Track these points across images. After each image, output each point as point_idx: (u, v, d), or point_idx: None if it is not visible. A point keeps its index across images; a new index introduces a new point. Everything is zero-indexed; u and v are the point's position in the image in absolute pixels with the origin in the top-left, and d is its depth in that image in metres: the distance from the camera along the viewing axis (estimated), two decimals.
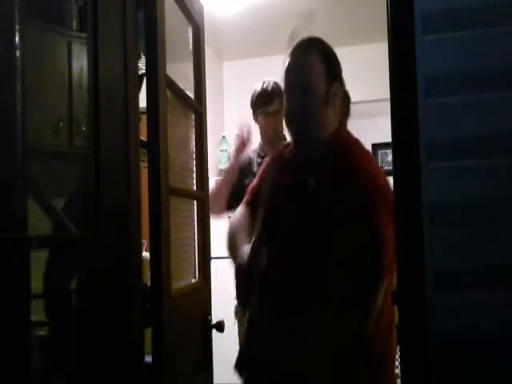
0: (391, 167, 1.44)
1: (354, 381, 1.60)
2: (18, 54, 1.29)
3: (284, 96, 1.78)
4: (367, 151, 1.80)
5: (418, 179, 1.31)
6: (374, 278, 1.55)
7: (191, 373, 2.01)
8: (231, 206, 2.61)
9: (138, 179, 1.63)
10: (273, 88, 2.78)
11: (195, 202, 2.26)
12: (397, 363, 1.88)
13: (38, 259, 1.44)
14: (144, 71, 1.77)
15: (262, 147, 2.91)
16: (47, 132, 1.51)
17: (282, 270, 1.68)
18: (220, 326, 2.12)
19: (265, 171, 1.97)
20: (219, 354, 2.64)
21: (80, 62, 1.54)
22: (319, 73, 1.72)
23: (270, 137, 2.79)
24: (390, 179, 1.45)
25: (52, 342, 1.46)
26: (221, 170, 4.60)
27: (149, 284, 1.68)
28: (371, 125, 6.64)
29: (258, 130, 2.86)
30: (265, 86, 2.81)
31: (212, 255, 2.30)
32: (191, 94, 2.16)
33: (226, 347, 2.95)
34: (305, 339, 1.57)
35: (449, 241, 1.30)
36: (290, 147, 1.87)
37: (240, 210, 2.00)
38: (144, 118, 1.71)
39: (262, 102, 2.78)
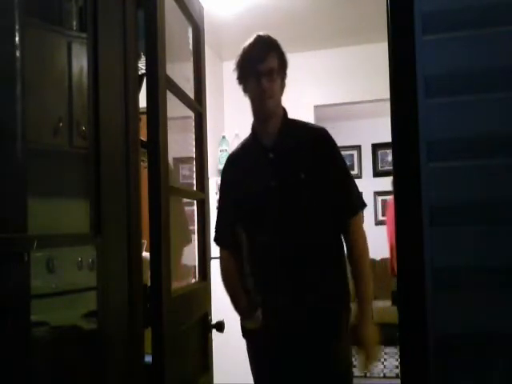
0: (391, 167, 1.45)
1: None
2: (17, 54, 1.29)
3: None
4: None
5: (417, 179, 1.31)
6: None
7: (191, 373, 2.01)
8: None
9: (137, 179, 1.63)
10: (267, 39, 2.00)
11: (195, 202, 2.26)
12: (397, 363, 1.91)
13: (38, 259, 1.44)
14: (144, 71, 1.77)
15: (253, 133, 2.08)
16: (47, 132, 1.51)
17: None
18: (220, 326, 2.12)
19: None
20: (219, 354, 2.64)
21: (80, 62, 1.54)
22: None
23: (265, 109, 1.97)
24: (390, 179, 1.45)
25: (52, 341, 1.46)
26: (221, 170, 4.60)
27: (149, 284, 1.68)
28: (371, 125, 6.66)
29: (250, 105, 2.03)
30: (256, 37, 2.01)
31: (212, 255, 2.30)
32: (191, 94, 2.16)
33: (225, 347, 2.96)
34: None
35: (449, 241, 1.30)
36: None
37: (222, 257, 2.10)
38: (144, 118, 1.71)
39: (252, 57, 1.95)
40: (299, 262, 1.90)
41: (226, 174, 2.14)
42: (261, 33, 2.02)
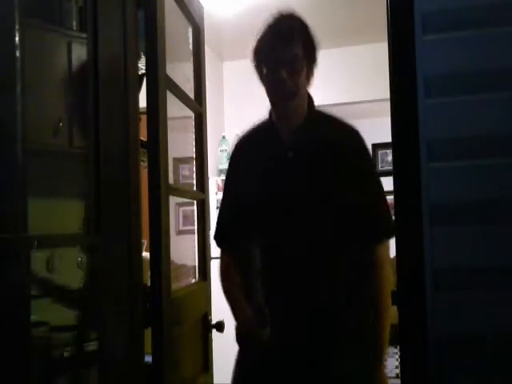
0: (391, 167, 1.44)
1: None
2: (17, 54, 1.29)
3: None
4: None
5: (417, 179, 1.31)
6: None
7: (191, 373, 2.01)
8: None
9: (138, 179, 1.63)
10: (289, 19, 1.64)
11: (195, 202, 2.27)
12: (397, 363, 1.89)
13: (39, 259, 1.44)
14: (144, 71, 1.77)
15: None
16: (47, 132, 1.51)
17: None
18: (220, 326, 2.12)
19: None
20: (219, 354, 2.64)
21: (80, 62, 1.54)
22: None
23: (285, 108, 1.66)
24: (390, 179, 1.45)
25: (53, 342, 1.46)
26: (221, 170, 4.60)
27: (149, 284, 1.68)
28: (371, 125, 6.65)
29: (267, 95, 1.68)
30: (275, 17, 1.63)
31: (212, 255, 2.30)
32: (191, 94, 2.16)
33: (225, 347, 2.95)
34: None
35: (449, 241, 1.30)
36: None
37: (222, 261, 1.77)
38: (144, 117, 1.71)
39: (270, 43, 1.59)
40: (308, 278, 1.61)
41: (235, 164, 1.78)
42: (283, 10, 1.63)
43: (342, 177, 1.61)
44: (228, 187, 1.79)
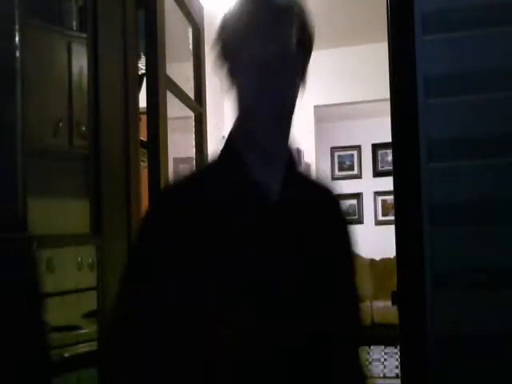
0: (391, 167, 1.44)
1: None
2: (17, 54, 1.29)
3: None
4: None
5: (418, 179, 1.31)
6: None
7: None
8: None
9: (138, 179, 1.63)
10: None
11: None
12: (397, 363, 1.88)
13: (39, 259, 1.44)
14: (144, 71, 1.78)
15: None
16: (47, 132, 1.52)
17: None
18: None
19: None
20: None
21: (80, 62, 1.54)
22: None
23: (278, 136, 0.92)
24: (390, 179, 1.45)
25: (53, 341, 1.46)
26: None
27: None
28: (371, 125, 6.65)
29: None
30: None
31: None
32: (191, 94, 2.16)
33: None
34: None
35: (449, 240, 1.30)
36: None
37: None
38: (144, 117, 1.71)
39: (252, 30, 0.89)
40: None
41: (181, 227, 0.85)
42: None
43: (335, 249, 0.95)
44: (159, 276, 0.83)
